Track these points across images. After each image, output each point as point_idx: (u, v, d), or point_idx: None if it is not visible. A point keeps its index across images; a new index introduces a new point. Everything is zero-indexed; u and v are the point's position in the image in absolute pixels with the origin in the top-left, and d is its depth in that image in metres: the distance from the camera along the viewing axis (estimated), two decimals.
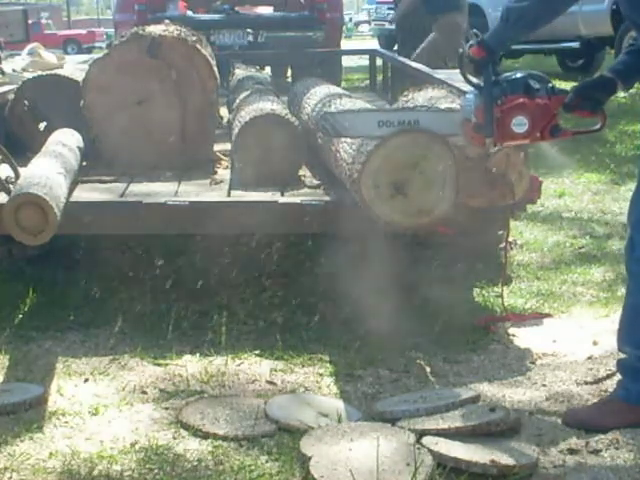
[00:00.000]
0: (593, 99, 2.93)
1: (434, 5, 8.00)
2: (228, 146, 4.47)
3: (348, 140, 3.61)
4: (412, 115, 3.28)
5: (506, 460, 2.51)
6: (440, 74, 5.45)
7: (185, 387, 3.12)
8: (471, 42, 3.02)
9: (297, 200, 3.66)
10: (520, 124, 2.98)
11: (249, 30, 8.85)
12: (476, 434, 2.69)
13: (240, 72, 6.44)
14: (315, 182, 4.03)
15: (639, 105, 8.82)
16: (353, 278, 4.04)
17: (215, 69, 4.58)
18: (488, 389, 3.09)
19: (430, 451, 2.55)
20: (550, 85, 3.00)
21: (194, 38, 4.58)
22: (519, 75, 3.01)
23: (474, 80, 3.03)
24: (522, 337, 3.59)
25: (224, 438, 2.73)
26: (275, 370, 3.27)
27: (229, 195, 3.88)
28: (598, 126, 3.04)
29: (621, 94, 7.98)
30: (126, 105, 4.30)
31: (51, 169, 3.40)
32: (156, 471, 2.56)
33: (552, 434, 2.74)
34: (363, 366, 3.29)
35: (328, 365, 3.32)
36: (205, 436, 2.75)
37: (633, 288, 2.82)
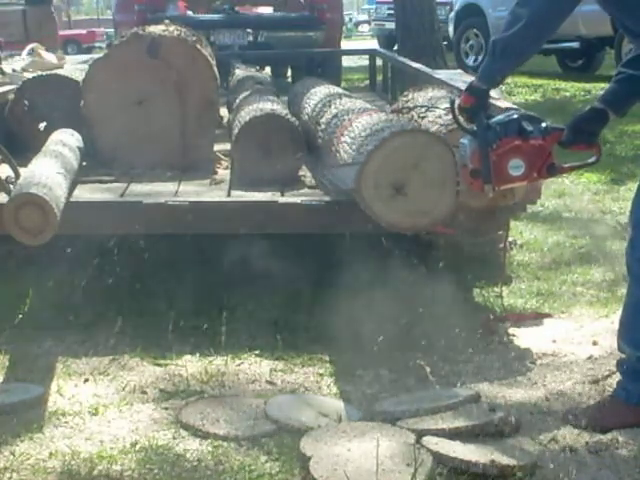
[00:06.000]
0: (587, 132, 2.95)
1: None
2: (228, 146, 4.46)
3: (348, 140, 3.61)
4: None
5: (506, 460, 2.51)
6: (440, 74, 5.46)
7: (185, 387, 3.12)
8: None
9: (297, 200, 3.66)
10: (516, 167, 3.00)
11: (249, 30, 8.84)
12: (476, 434, 2.69)
13: (240, 72, 6.43)
14: (315, 182, 4.02)
15: (639, 105, 8.82)
16: (353, 278, 4.04)
17: (215, 69, 4.57)
18: (488, 389, 3.09)
19: (430, 451, 2.55)
20: (543, 125, 3.02)
21: (194, 38, 4.58)
22: (512, 117, 3.02)
23: (468, 126, 3.04)
24: (522, 337, 3.59)
25: (224, 438, 2.73)
26: (275, 370, 3.27)
27: (229, 195, 3.88)
28: (594, 159, 3.08)
29: None
30: (126, 105, 4.30)
31: (51, 169, 3.39)
32: (156, 471, 2.56)
33: (552, 434, 2.74)
34: (363, 366, 3.29)
35: (328, 365, 3.32)
36: (205, 436, 2.75)
37: (634, 288, 2.82)
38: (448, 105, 3.23)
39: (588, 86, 10.73)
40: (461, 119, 3.07)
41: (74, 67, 5.71)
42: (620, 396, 2.84)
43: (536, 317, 3.80)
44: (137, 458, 2.63)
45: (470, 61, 13.43)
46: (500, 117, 3.05)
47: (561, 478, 2.51)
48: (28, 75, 5.29)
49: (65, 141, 3.92)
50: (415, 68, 6.16)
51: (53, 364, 3.31)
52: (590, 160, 3.10)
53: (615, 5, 2.74)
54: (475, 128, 3.02)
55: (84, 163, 4.09)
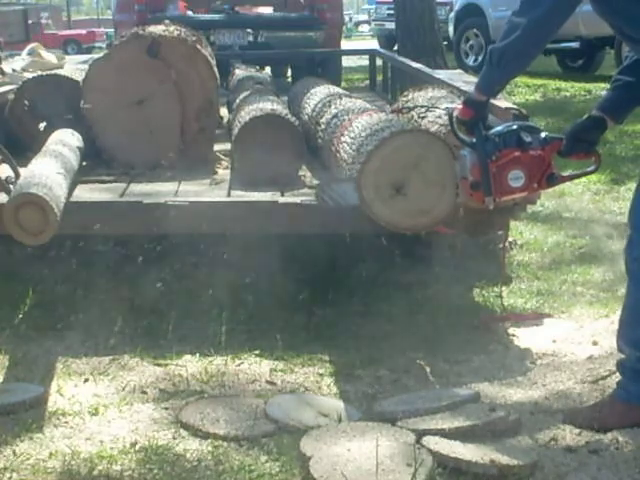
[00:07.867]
0: (586, 141, 2.95)
1: None
2: (228, 146, 4.47)
3: (348, 140, 3.62)
4: None
5: (506, 460, 2.51)
6: (440, 74, 5.47)
7: (185, 387, 3.12)
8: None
9: (297, 200, 3.66)
10: (516, 178, 3.00)
11: (249, 30, 8.86)
12: (476, 434, 2.69)
13: (240, 72, 6.44)
14: (315, 182, 4.02)
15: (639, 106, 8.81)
16: (353, 278, 4.05)
17: (215, 69, 4.58)
18: (488, 389, 3.09)
19: (430, 451, 2.55)
20: (542, 135, 3.02)
21: (194, 38, 4.59)
22: (511, 128, 3.02)
23: (467, 138, 3.04)
24: (522, 337, 3.59)
25: (224, 438, 2.73)
26: (275, 370, 3.27)
27: (229, 195, 3.88)
28: (593, 167, 3.08)
29: None
30: (126, 105, 4.30)
31: (51, 169, 3.39)
32: (156, 471, 2.56)
33: (552, 434, 2.74)
34: (363, 366, 3.29)
35: (328, 365, 3.32)
36: (205, 436, 2.75)
37: (633, 288, 2.82)
38: (447, 109, 3.23)
39: (588, 86, 10.72)
40: (459, 131, 3.06)
41: (74, 67, 5.71)
42: (620, 396, 2.83)
43: (536, 317, 3.80)
44: (137, 458, 2.63)
45: (470, 61, 13.43)
46: (499, 128, 3.04)
47: (561, 478, 2.51)
48: (28, 75, 5.29)
49: (65, 141, 3.92)
50: (415, 68, 6.17)
51: (53, 364, 3.31)
52: (589, 169, 3.12)
53: (612, 13, 2.73)
54: (474, 140, 3.01)
55: (84, 163, 4.09)
